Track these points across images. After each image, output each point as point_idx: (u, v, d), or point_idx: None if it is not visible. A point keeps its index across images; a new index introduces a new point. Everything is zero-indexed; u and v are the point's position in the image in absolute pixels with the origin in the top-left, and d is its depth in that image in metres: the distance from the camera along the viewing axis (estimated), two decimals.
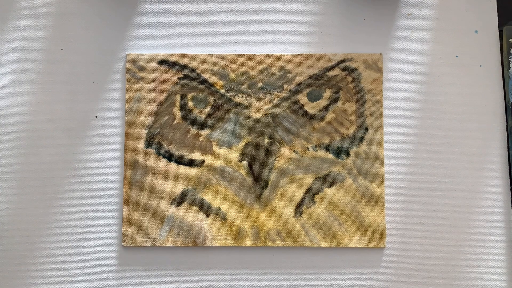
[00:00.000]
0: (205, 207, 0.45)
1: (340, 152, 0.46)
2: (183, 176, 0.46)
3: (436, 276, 0.45)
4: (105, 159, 0.46)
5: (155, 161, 0.46)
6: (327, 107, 0.46)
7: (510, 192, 0.46)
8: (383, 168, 0.46)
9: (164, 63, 0.47)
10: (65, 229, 0.46)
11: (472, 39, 0.47)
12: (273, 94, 0.46)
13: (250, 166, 0.45)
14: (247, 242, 0.45)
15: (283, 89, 0.46)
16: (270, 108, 0.46)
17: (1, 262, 0.45)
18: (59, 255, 0.45)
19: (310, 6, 0.48)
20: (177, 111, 0.46)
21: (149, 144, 0.46)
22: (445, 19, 0.48)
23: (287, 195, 0.45)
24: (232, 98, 0.46)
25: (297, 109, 0.46)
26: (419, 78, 0.47)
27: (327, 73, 0.46)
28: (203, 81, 0.46)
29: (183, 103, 0.46)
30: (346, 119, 0.46)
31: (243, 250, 0.45)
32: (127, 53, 0.47)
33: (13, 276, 0.45)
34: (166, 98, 0.46)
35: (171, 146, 0.46)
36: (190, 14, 0.48)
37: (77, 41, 0.48)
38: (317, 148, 0.46)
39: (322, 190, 0.45)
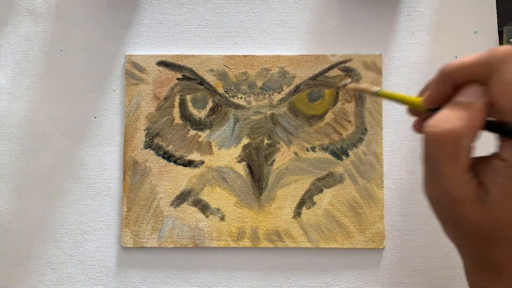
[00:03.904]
0: (204, 208, 0.45)
1: (339, 153, 0.46)
2: (182, 177, 0.46)
3: (436, 277, 0.45)
4: (104, 159, 0.46)
5: (155, 161, 0.46)
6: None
7: None
8: (383, 169, 0.45)
9: (163, 64, 0.47)
10: (64, 230, 0.46)
11: (471, 40, 0.47)
12: (273, 95, 0.46)
13: (249, 167, 0.45)
14: (246, 243, 0.45)
15: (283, 90, 0.46)
16: (269, 108, 0.46)
17: (0, 263, 0.45)
18: (59, 256, 0.45)
19: (310, 7, 0.48)
20: (176, 112, 0.46)
21: (148, 145, 0.46)
22: (445, 20, 0.48)
23: (287, 196, 0.45)
24: (232, 99, 0.46)
25: (296, 110, 0.46)
26: (418, 78, 0.47)
27: (327, 74, 0.46)
28: (202, 82, 0.46)
29: (182, 103, 0.46)
30: (345, 120, 0.46)
31: (242, 251, 0.45)
32: (126, 54, 0.47)
33: (12, 277, 0.45)
34: (165, 99, 0.46)
35: (171, 147, 0.46)
36: (189, 15, 0.48)
37: (76, 42, 0.48)
38: (316, 149, 0.46)
39: (321, 191, 0.45)
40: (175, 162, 0.46)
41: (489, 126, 0.26)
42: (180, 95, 0.46)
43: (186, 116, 0.46)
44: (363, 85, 0.34)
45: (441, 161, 0.25)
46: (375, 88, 0.31)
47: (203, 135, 0.46)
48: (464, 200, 0.26)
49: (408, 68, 0.47)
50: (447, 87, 0.27)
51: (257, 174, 0.45)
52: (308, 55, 0.47)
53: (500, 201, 0.25)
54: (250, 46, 0.48)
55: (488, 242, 0.27)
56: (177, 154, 0.46)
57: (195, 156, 0.46)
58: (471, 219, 0.26)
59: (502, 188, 0.25)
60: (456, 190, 0.26)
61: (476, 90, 0.25)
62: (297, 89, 0.46)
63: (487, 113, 0.26)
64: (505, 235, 0.26)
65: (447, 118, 0.25)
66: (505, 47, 0.25)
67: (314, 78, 0.46)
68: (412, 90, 0.47)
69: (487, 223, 0.26)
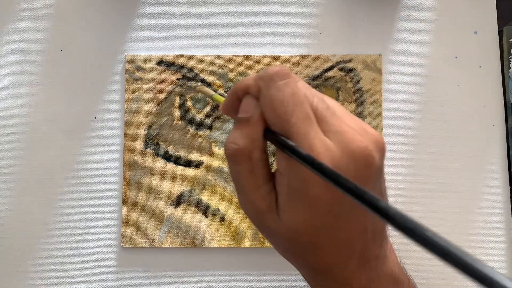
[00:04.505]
0: (204, 208, 0.45)
1: None
2: (182, 177, 0.46)
3: (436, 277, 0.45)
4: (104, 160, 0.46)
5: (154, 162, 0.46)
6: None
7: (510, 193, 0.46)
8: None
9: (163, 64, 0.47)
10: (64, 230, 0.46)
11: (471, 40, 0.47)
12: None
13: None
14: (246, 243, 0.45)
15: None
16: None
17: (0, 263, 0.45)
18: (58, 256, 0.45)
19: (310, 7, 0.48)
20: (176, 112, 0.46)
21: (148, 145, 0.46)
22: (445, 20, 0.48)
23: None
24: None
25: None
26: (418, 79, 0.47)
27: (327, 74, 0.46)
28: (202, 82, 0.46)
29: (182, 104, 0.46)
30: None
31: (242, 251, 0.45)
32: (126, 54, 0.47)
33: (12, 277, 0.45)
34: (165, 99, 0.46)
35: (170, 147, 0.46)
36: (189, 15, 0.48)
37: (76, 42, 0.48)
38: None
39: None
40: (175, 162, 0.46)
41: (268, 136, 0.27)
42: (180, 95, 0.46)
43: (186, 116, 0.46)
44: (205, 89, 0.40)
45: (240, 176, 0.27)
46: (211, 93, 0.36)
47: (203, 135, 0.46)
48: (266, 210, 0.27)
49: (408, 68, 0.47)
50: (235, 100, 0.28)
51: None
52: (308, 55, 0.47)
53: (284, 209, 0.26)
54: (250, 46, 0.48)
55: (295, 252, 0.28)
56: (177, 154, 0.46)
57: (195, 156, 0.46)
58: (272, 228, 0.27)
59: (282, 195, 0.26)
60: (258, 201, 0.27)
61: (249, 104, 0.27)
62: None
63: (265, 124, 0.27)
64: (300, 242, 0.27)
65: (233, 139, 0.27)
66: (277, 67, 0.26)
67: (314, 78, 0.46)
68: (412, 90, 0.47)
69: (283, 230, 0.27)
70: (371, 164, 0.25)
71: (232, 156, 0.27)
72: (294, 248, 0.28)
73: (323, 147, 0.25)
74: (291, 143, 0.25)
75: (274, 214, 0.27)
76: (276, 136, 0.26)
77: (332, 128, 0.26)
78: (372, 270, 0.28)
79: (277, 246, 0.29)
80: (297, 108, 0.25)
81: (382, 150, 0.26)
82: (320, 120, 0.26)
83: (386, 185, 0.29)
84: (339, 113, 0.27)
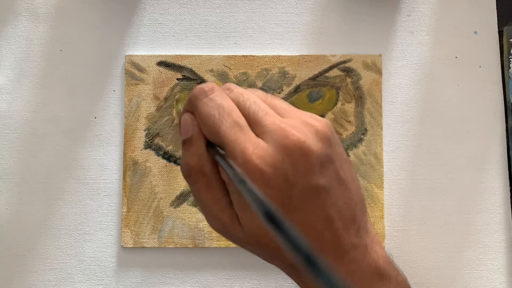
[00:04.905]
0: None
1: None
2: (182, 177, 0.45)
3: (436, 277, 0.45)
4: (104, 160, 0.46)
5: (155, 162, 0.46)
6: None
7: (510, 193, 0.46)
8: (383, 169, 0.45)
9: (164, 64, 0.47)
10: (64, 230, 0.46)
11: (471, 40, 0.47)
12: (273, 95, 0.46)
13: None
14: None
15: (283, 90, 0.46)
16: None
17: (0, 263, 0.45)
18: (59, 256, 0.45)
19: (310, 7, 0.48)
20: (176, 112, 0.46)
21: (148, 145, 0.46)
22: (445, 20, 0.48)
23: None
24: None
25: None
26: (418, 79, 0.47)
27: (327, 74, 0.46)
28: (202, 82, 0.46)
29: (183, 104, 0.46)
30: (345, 120, 0.46)
31: (242, 251, 0.45)
32: (126, 54, 0.47)
33: (12, 277, 0.45)
34: (166, 99, 0.46)
35: (171, 147, 0.46)
36: (189, 15, 0.48)
37: (76, 42, 0.48)
38: None
39: None
40: (175, 162, 0.46)
41: (208, 149, 0.28)
42: (180, 95, 0.46)
43: None
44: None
45: (201, 193, 0.28)
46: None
47: None
48: (229, 222, 0.28)
49: (408, 68, 0.47)
50: None
51: None
52: (308, 55, 0.47)
53: (241, 216, 0.27)
54: (250, 46, 0.48)
55: (268, 255, 0.29)
56: (177, 154, 0.46)
57: None
58: (241, 238, 0.28)
59: (235, 203, 0.27)
60: (221, 214, 0.28)
61: (187, 125, 0.28)
62: (297, 89, 0.46)
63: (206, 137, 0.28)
64: (266, 244, 0.28)
65: (185, 161, 0.28)
66: (201, 85, 0.28)
67: (314, 78, 0.46)
68: (413, 90, 0.47)
69: (248, 237, 0.28)
70: (307, 154, 0.25)
71: (189, 176, 0.28)
72: (266, 252, 0.29)
73: (255, 149, 0.25)
74: (221, 151, 0.26)
75: (237, 224, 0.28)
76: (213, 147, 0.27)
77: (265, 129, 0.26)
78: (352, 262, 0.28)
79: (255, 253, 0.30)
80: (223, 119, 0.26)
81: (324, 139, 0.26)
82: (254, 123, 0.27)
83: (350, 172, 0.29)
84: (281, 110, 0.28)
